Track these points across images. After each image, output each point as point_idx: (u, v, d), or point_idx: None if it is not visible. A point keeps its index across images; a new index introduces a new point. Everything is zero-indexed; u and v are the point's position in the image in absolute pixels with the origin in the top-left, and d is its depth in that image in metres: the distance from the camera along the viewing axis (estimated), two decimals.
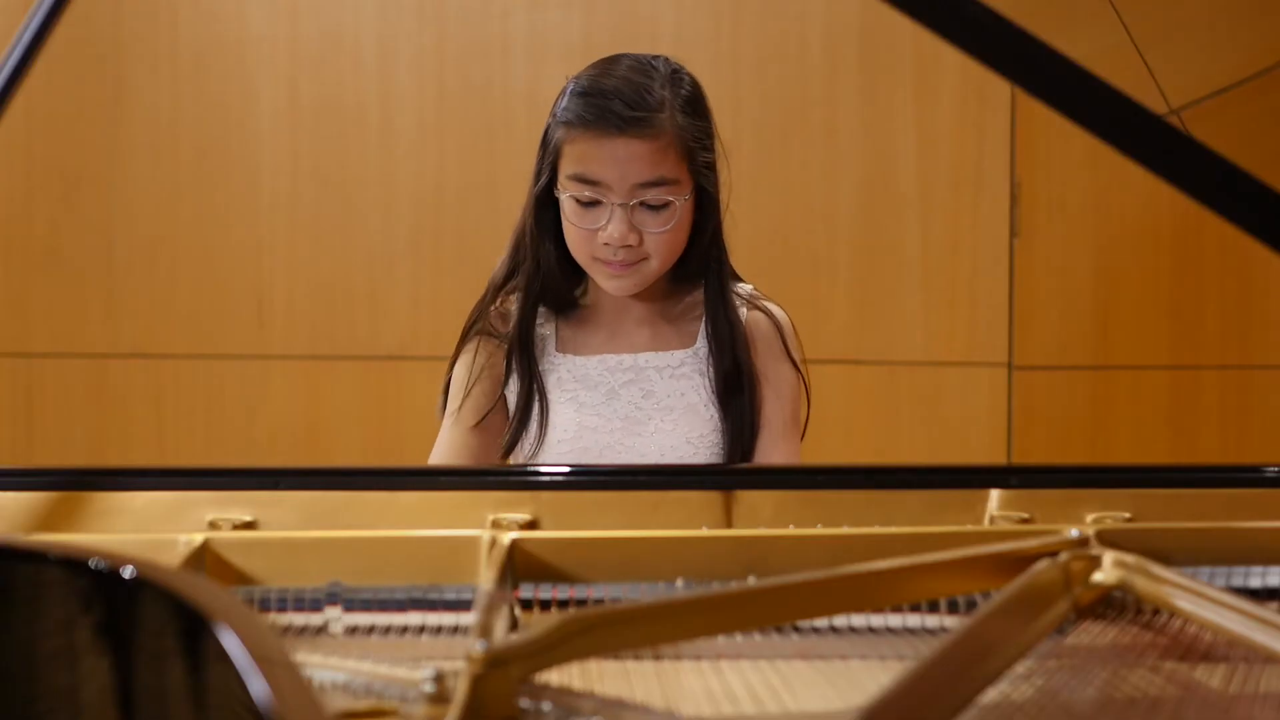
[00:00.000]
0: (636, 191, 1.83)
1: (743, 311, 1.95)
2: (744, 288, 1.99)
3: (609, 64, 1.89)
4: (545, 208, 1.91)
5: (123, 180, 3.47)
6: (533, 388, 1.92)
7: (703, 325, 1.95)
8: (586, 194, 1.83)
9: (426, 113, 3.42)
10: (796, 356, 1.97)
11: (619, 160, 1.82)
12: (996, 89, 3.27)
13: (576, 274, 1.94)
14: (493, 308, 1.98)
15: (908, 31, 3.15)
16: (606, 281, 1.89)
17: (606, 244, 1.84)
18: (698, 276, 1.95)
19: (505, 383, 1.94)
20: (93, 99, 3.46)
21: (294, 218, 3.46)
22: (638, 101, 1.82)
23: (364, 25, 3.43)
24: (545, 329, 1.96)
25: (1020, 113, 3.28)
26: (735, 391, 1.91)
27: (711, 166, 1.90)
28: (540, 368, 1.93)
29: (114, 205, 3.47)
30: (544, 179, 1.89)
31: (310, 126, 3.44)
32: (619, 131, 1.81)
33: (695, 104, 1.88)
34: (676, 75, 1.89)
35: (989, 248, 3.32)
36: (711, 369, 1.92)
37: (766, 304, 1.99)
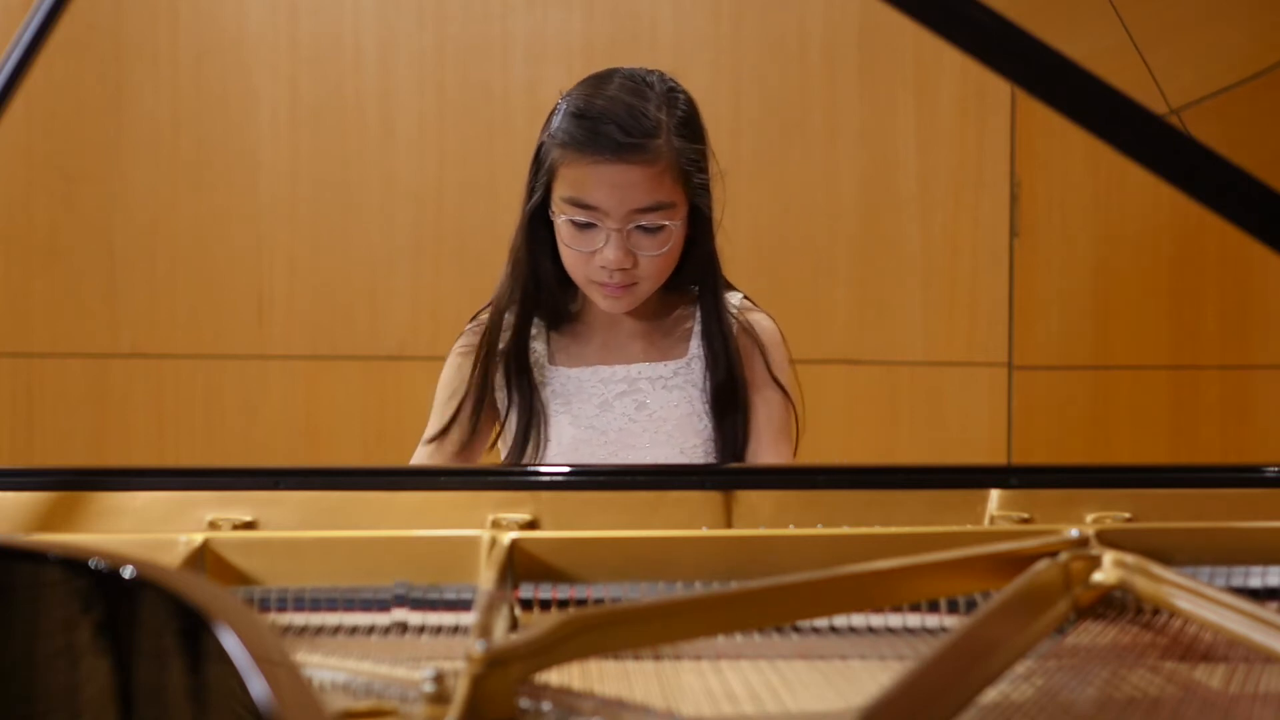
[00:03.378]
0: (632, 216, 1.81)
1: (736, 320, 1.94)
2: (734, 297, 1.98)
3: (602, 82, 1.86)
4: (540, 225, 1.89)
5: (123, 180, 3.47)
6: (534, 404, 1.91)
7: (695, 337, 1.94)
8: (581, 217, 1.82)
9: (426, 113, 3.42)
10: (785, 369, 1.95)
11: (615, 187, 1.80)
12: (996, 89, 3.27)
13: (572, 287, 1.93)
14: (476, 320, 1.98)
15: (908, 32, 3.14)
16: (601, 301, 1.88)
17: (602, 267, 1.83)
18: (690, 289, 1.94)
19: (497, 395, 1.94)
20: (93, 99, 3.46)
21: (294, 217, 3.46)
22: (633, 126, 1.79)
23: (364, 25, 3.43)
24: (537, 341, 1.95)
25: (1020, 113, 3.28)
26: (729, 405, 1.90)
27: (706, 187, 1.88)
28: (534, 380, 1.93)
29: (114, 205, 3.47)
30: (538, 197, 1.87)
31: (310, 126, 3.44)
32: (615, 158, 1.79)
33: (691, 124, 1.86)
34: (672, 94, 1.86)
35: (989, 248, 3.32)
36: (708, 383, 1.91)
37: (756, 315, 1.98)
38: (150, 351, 3.49)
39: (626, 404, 1.91)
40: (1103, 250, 3.31)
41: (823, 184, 3.35)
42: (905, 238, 3.35)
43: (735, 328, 1.94)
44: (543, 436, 1.91)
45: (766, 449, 1.91)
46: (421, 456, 1.96)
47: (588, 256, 1.83)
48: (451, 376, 1.97)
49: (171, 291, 3.48)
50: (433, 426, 1.96)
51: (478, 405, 1.94)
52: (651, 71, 1.88)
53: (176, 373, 3.49)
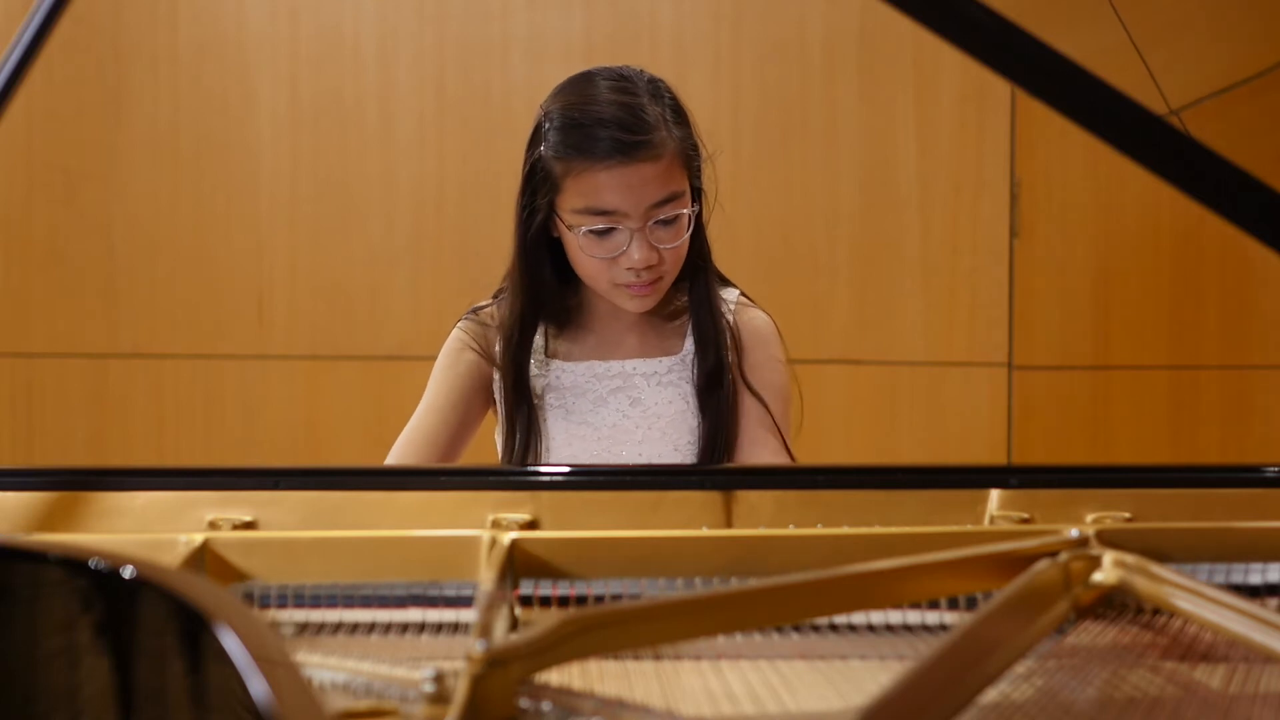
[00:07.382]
0: (651, 212, 1.82)
1: (730, 317, 1.94)
2: (731, 293, 1.98)
3: (587, 88, 1.86)
4: (540, 243, 1.89)
5: (123, 180, 3.47)
6: (531, 413, 1.92)
7: (690, 333, 1.94)
8: (601, 224, 1.82)
9: (426, 113, 3.43)
10: (766, 367, 1.94)
11: (632, 187, 1.80)
12: (996, 89, 3.27)
13: (572, 287, 1.94)
14: (476, 314, 1.98)
15: (908, 31, 3.15)
16: (629, 302, 1.88)
17: (630, 269, 1.83)
18: (684, 278, 1.94)
19: (494, 392, 1.96)
20: (93, 99, 3.46)
21: (294, 218, 3.46)
22: (636, 124, 1.80)
23: (364, 25, 3.43)
24: (536, 336, 1.95)
25: (1020, 113, 3.28)
26: (715, 388, 1.90)
27: (700, 169, 1.90)
28: (530, 374, 1.93)
29: (114, 205, 3.47)
30: (540, 216, 1.86)
31: (310, 126, 3.44)
32: (628, 159, 1.79)
33: (679, 111, 1.88)
34: (655, 85, 1.87)
35: (989, 248, 3.32)
36: (695, 366, 1.92)
37: (750, 312, 1.98)
38: (150, 351, 3.49)
39: (620, 400, 1.91)
40: (1103, 250, 3.31)
41: (823, 184, 3.35)
42: (905, 238, 3.35)
43: (733, 320, 1.94)
44: (541, 447, 1.92)
45: (748, 446, 1.90)
46: (406, 444, 1.94)
47: (610, 263, 1.84)
48: (449, 367, 1.96)
49: (171, 291, 3.48)
50: (425, 421, 1.96)
51: (476, 409, 1.96)
52: (625, 67, 1.89)
53: (176, 373, 3.49)
